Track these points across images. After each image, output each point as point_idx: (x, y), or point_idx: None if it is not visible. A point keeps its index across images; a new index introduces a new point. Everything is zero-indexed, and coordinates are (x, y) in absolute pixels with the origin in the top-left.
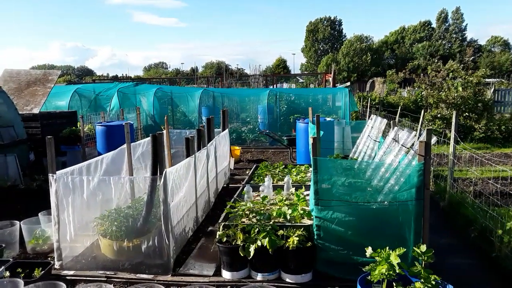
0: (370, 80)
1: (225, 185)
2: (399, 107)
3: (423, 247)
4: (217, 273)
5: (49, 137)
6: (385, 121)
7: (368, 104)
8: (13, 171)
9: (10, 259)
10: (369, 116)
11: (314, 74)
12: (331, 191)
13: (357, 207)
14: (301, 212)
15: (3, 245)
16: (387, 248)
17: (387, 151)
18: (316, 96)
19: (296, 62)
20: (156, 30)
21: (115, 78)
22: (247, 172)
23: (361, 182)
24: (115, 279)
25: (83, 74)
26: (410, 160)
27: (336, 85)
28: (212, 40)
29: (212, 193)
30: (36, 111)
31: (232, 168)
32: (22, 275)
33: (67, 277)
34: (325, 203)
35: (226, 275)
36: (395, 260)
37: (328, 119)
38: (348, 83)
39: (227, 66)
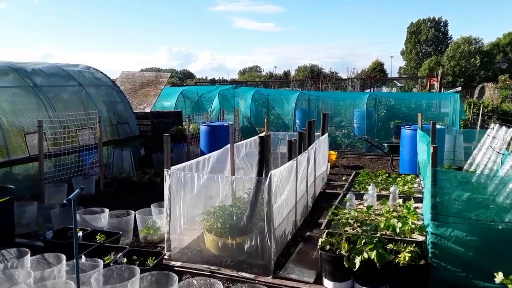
0: (480, 86)
1: (321, 190)
2: None
3: None
4: (318, 281)
5: (166, 134)
6: (511, 131)
7: (480, 111)
8: (127, 164)
9: (126, 247)
10: (480, 125)
11: (414, 78)
12: (450, 206)
13: (480, 226)
14: (412, 226)
15: (120, 232)
16: None
17: None
18: (419, 101)
19: (394, 65)
20: (253, 35)
21: (213, 81)
22: (343, 178)
23: (483, 198)
24: (218, 275)
25: (185, 77)
26: None
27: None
28: (307, 43)
29: (310, 197)
30: (148, 110)
31: (328, 173)
32: (137, 262)
33: (175, 268)
34: (443, 218)
35: (328, 284)
36: None
37: (437, 126)
38: (459, 88)
39: (320, 69)
